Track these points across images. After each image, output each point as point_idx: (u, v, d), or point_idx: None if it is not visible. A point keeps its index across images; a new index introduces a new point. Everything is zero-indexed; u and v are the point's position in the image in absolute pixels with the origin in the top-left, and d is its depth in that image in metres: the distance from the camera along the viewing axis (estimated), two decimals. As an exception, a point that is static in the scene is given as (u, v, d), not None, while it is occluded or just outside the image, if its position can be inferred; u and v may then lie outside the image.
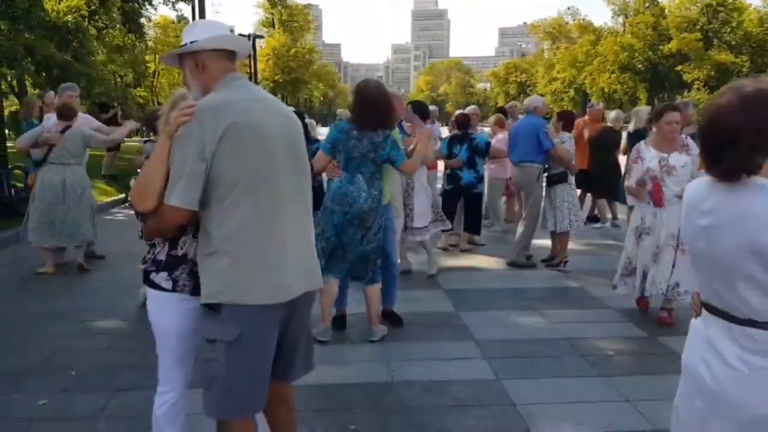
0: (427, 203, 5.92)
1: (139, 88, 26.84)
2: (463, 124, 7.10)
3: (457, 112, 7.78)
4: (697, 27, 51.01)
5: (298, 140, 2.23)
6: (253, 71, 31.12)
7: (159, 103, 42.54)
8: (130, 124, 6.81)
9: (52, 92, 9.05)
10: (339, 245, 4.14)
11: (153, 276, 2.25)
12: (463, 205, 7.04)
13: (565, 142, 6.25)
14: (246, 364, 2.08)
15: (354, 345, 4.32)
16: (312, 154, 6.46)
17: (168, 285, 2.22)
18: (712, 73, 48.33)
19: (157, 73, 43.38)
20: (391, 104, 4.15)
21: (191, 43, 2.16)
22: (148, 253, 2.32)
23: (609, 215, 8.78)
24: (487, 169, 8.10)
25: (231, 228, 2.02)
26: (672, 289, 4.48)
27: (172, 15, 38.76)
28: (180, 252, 2.22)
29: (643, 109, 7.64)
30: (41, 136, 6.06)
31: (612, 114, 9.25)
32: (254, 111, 2.07)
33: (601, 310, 5.05)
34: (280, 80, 46.67)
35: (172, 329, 2.25)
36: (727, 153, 1.52)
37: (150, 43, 42.24)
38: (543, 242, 6.74)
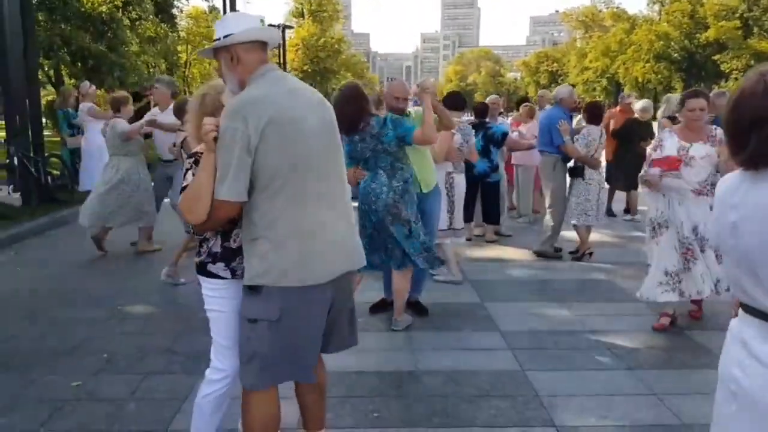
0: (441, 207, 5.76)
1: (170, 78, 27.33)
2: (481, 112, 7.11)
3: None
4: (737, 15, 49.45)
5: (333, 126, 2.32)
6: (282, 61, 31.31)
7: (190, 93, 43.19)
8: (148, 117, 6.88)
9: (87, 82, 9.25)
10: (384, 241, 4.13)
11: (210, 267, 2.35)
12: (480, 195, 7.00)
13: (578, 139, 6.16)
14: (288, 341, 2.20)
15: (379, 333, 4.35)
16: None
17: (227, 275, 2.34)
18: (752, 62, 46.82)
19: (188, 63, 43.87)
20: (359, 99, 4.02)
21: (225, 36, 2.21)
22: (201, 246, 2.41)
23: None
24: (514, 157, 8.06)
25: (272, 215, 2.12)
26: (716, 285, 4.14)
27: (204, 5, 39.08)
28: (234, 245, 2.33)
29: (675, 96, 7.40)
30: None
31: (638, 104, 8.88)
32: (292, 103, 2.15)
33: (629, 304, 4.97)
34: (309, 70, 46.81)
35: (234, 314, 2.34)
36: (751, 138, 1.48)
37: (182, 34, 42.79)
38: (572, 234, 6.67)
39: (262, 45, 2.25)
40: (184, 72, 43.12)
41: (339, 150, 2.35)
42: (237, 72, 2.21)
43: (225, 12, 16.76)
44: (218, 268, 2.34)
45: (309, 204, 2.16)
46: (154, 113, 6.33)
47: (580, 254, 6.36)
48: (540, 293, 5.28)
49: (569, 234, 6.70)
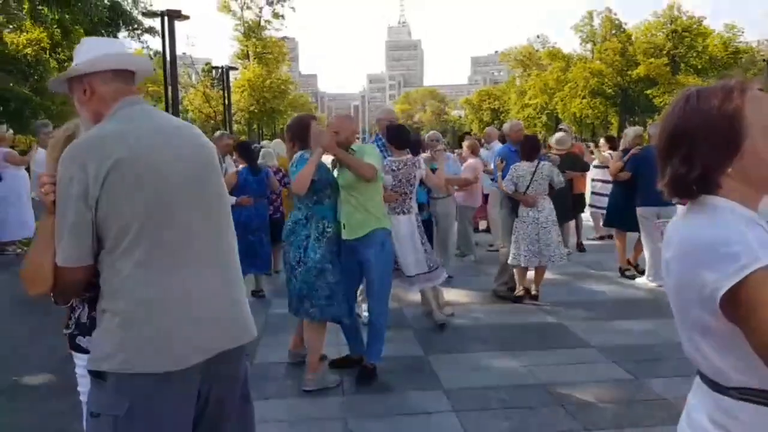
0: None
1: None
2: (412, 149, 6.93)
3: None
4: (664, 52, 52.21)
5: (209, 173, 1.87)
6: (227, 102, 30.81)
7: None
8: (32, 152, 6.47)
9: (3, 126, 8.61)
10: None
11: (80, 340, 2.06)
12: None
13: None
14: None
15: (311, 399, 3.87)
16: (259, 182, 6.18)
17: None
18: (681, 96, 49.23)
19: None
20: (302, 126, 4.04)
21: (76, 65, 1.84)
22: (69, 317, 2.06)
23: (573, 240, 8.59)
24: (457, 196, 7.81)
25: (119, 282, 1.68)
26: None
27: (146, 50, 38.38)
28: None
29: (633, 129, 7.45)
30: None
31: (554, 137, 8.65)
32: (149, 142, 1.73)
33: (581, 350, 4.67)
34: (256, 111, 46.36)
35: None
36: (672, 160, 1.27)
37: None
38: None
39: (126, 75, 1.86)
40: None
41: (220, 200, 1.92)
42: (91, 106, 1.82)
43: (166, 57, 16.24)
44: (88, 342, 1.94)
45: (170, 267, 1.72)
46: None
47: (514, 295, 6.05)
48: (486, 341, 4.91)
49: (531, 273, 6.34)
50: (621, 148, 7.12)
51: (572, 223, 8.62)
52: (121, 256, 1.67)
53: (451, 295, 6.37)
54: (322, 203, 3.91)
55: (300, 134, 3.99)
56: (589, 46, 58.57)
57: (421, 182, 6.46)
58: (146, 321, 1.68)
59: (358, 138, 6.24)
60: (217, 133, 7.09)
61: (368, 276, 4.08)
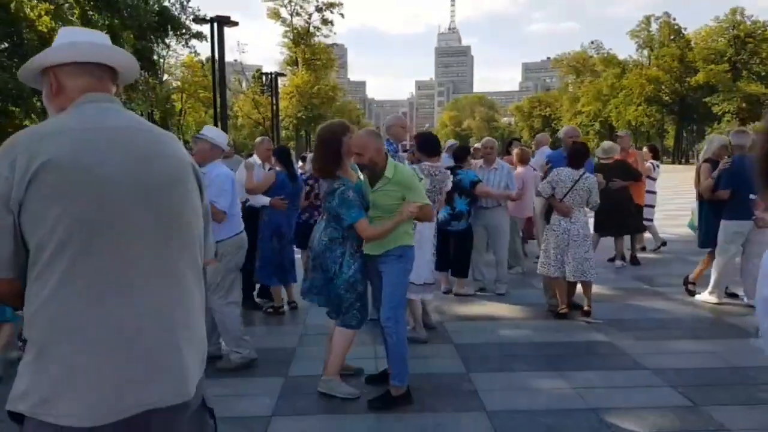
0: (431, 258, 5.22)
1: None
2: (457, 156, 6.76)
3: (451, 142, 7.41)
4: (725, 58, 50.19)
5: (170, 189, 1.55)
6: (275, 109, 31.25)
7: (185, 141, 43.24)
8: None
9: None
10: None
11: None
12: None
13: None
14: None
15: (343, 416, 3.71)
16: (295, 189, 6.03)
17: None
18: (743, 104, 47.18)
19: (183, 112, 44.09)
20: (335, 146, 3.75)
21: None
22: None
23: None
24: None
25: (38, 305, 1.40)
26: None
27: (197, 56, 39.44)
28: None
29: (718, 138, 6.79)
30: None
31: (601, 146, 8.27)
32: (92, 145, 1.45)
33: (635, 372, 4.35)
34: (303, 117, 46.98)
35: None
36: None
37: (177, 83, 43.12)
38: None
39: (101, 71, 1.59)
40: (179, 120, 43.27)
41: (183, 223, 1.56)
42: (57, 102, 1.59)
43: (215, 63, 16.53)
44: None
45: (102, 291, 1.41)
46: None
47: (557, 311, 5.77)
48: (532, 359, 4.64)
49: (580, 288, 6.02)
50: (703, 157, 6.45)
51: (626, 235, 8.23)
52: (39, 274, 1.40)
53: (496, 309, 6.12)
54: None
55: (332, 151, 3.76)
56: (645, 52, 56.88)
57: (462, 192, 6.30)
58: (66, 357, 1.39)
59: (406, 148, 6.08)
60: (258, 138, 7.05)
61: (382, 285, 3.86)
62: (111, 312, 1.42)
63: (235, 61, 50.50)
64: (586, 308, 5.70)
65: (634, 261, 8.23)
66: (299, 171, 7.02)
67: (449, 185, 4.86)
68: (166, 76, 41.62)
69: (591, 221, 5.82)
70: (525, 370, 4.43)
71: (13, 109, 11.12)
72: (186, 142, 42.39)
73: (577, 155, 5.70)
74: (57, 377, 1.38)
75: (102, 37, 1.68)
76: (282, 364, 4.62)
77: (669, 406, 3.76)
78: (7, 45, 12.19)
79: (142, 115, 31.72)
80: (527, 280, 7.31)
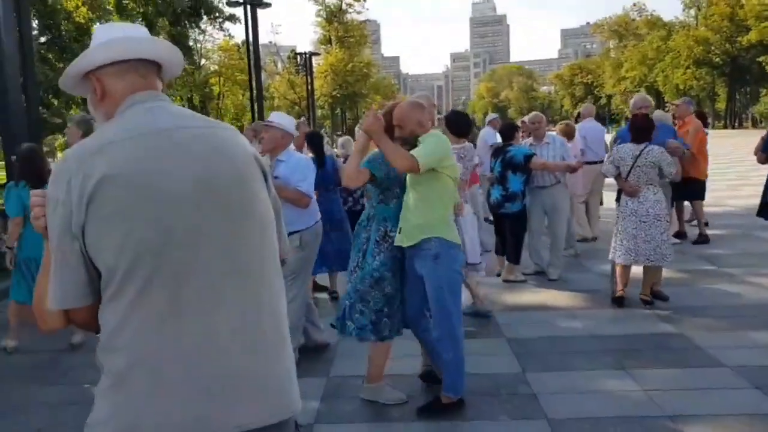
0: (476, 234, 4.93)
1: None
2: (504, 134, 6.31)
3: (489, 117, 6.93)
4: (780, 14, 47.34)
5: (239, 187, 1.39)
6: (309, 88, 31.03)
7: (224, 124, 43.39)
8: None
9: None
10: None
11: None
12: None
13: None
14: None
15: (388, 422, 3.41)
16: (323, 175, 5.48)
17: None
18: (801, 62, 44.59)
19: (221, 96, 44.41)
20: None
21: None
22: None
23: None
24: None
25: (110, 332, 1.31)
26: None
27: (232, 39, 39.42)
28: None
29: None
30: None
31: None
32: (144, 153, 1.31)
33: (712, 370, 3.91)
34: (338, 95, 46.64)
35: None
36: None
37: (215, 67, 43.31)
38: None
39: (145, 67, 1.44)
40: (218, 104, 43.52)
41: (253, 217, 1.41)
42: (103, 107, 1.44)
43: (249, 45, 16.25)
44: None
45: (177, 310, 1.29)
46: None
47: (612, 296, 5.38)
48: (594, 355, 4.24)
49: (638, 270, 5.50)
50: None
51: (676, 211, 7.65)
52: (112, 297, 1.29)
53: (550, 296, 5.71)
54: (388, 204, 3.44)
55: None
56: (693, 12, 54.23)
57: (517, 168, 5.85)
58: (144, 382, 1.29)
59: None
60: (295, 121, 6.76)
61: (427, 293, 3.41)
62: (189, 332, 1.29)
63: (270, 42, 50.41)
64: (642, 296, 5.26)
65: (699, 237, 7.63)
66: (333, 154, 6.70)
67: (476, 159, 4.38)
68: (203, 61, 41.80)
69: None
70: (587, 368, 4.03)
71: (54, 100, 11.18)
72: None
73: (638, 129, 5.19)
74: (139, 405, 1.28)
75: (139, 30, 1.51)
76: (323, 362, 4.35)
77: (760, 414, 3.32)
78: (45, 39, 12.21)
79: (182, 100, 32.10)
80: (581, 263, 6.86)
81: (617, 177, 5.23)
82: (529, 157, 5.82)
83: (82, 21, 12.97)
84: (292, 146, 4.34)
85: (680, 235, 7.73)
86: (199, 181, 1.33)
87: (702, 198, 7.81)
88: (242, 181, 1.40)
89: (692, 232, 7.87)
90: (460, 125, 4.76)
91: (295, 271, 4.15)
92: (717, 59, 49.71)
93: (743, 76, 50.40)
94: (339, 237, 5.48)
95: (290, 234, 4.16)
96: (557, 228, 6.33)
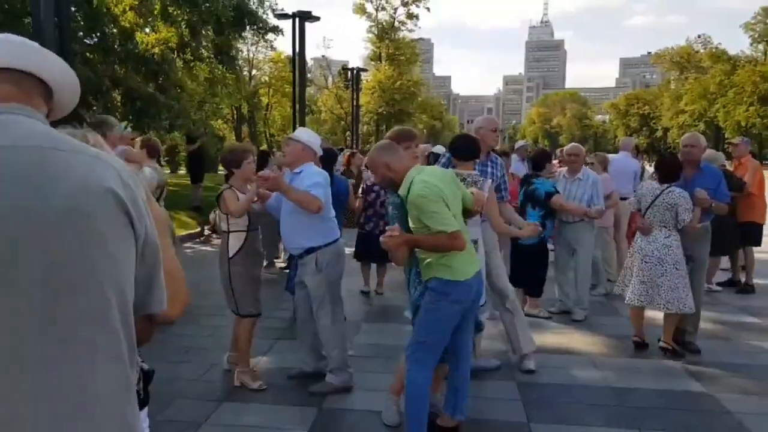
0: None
1: (219, 121, 27.21)
2: (535, 163, 6.04)
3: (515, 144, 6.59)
4: None
5: (68, 224, 1.06)
6: (354, 104, 31.20)
7: (271, 135, 44.19)
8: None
9: (121, 125, 8.82)
10: None
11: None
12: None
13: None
14: None
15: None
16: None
17: None
18: None
19: (270, 107, 45.19)
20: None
21: None
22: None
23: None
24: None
25: None
26: None
27: (270, 49, 40.11)
28: None
29: None
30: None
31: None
32: None
33: (742, 441, 3.51)
34: (384, 112, 46.74)
35: None
36: None
37: (266, 78, 44.13)
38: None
39: (20, 79, 1.21)
40: (265, 115, 44.23)
41: (81, 266, 1.07)
42: None
43: (295, 58, 16.37)
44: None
45: None
46: None
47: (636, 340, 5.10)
48: (610, 411, 3.88)
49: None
50: None
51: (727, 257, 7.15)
52: None
53: (571, 340, 5.35)
54: None
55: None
56: (761, 47, 52.30)
57: (536, 203, 5.58)
58: None
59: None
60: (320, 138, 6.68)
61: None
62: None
63: (323, 57, 51.07)
64: (661, 343, 4.95)
65: (746, 287, 7.10)
66: (365, 177, 6.54)
67: (485, 188, 4.03)
68: (254, 71, 42.57)
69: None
70: (600, 424, 3.68)
71: (93, 102, 11.45)
72: (272, 135, 43.39)
73: (666, 170, 4.94)
74: None
75: (15, 38, 1.25)
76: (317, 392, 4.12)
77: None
78: (90, 41, 12.49)
79: (230, 109, 32.61)
80: (611, 305, 6.44)
81: (637, 212, 5.06)
82: (550, 195, 5.58)
83: (128, 25, 13.24)
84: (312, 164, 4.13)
85: (735, 283, 7.25)
86: (11, 214, 1.03)
87: (758, 243, 7.31)
88: (75, 218, 1.07)
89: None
90: (464, 149, 4.18)
91: (316, 297, 3.99)
92: (783, 97, 47.64)
93: (811, 116, 48.10)
94: None
95: (305, 253, 4.00)
96: (581, 266, 6.00)
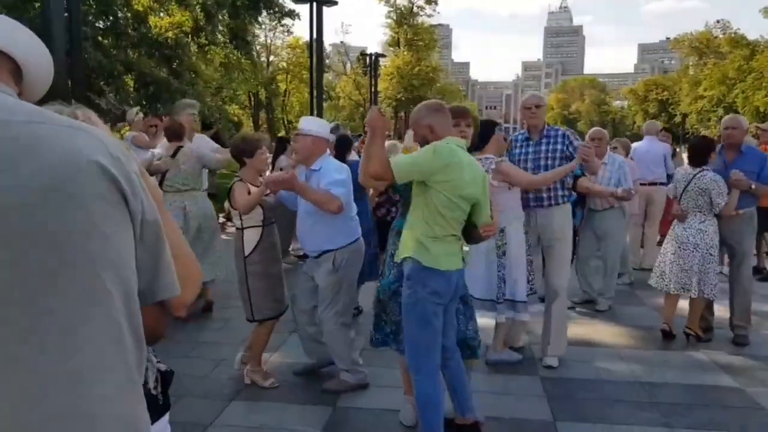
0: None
1: (234, 106, 26.69)
2: None
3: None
4: None
5: (48, 201, 0.92)
6: (373, 90, 30.95)
7: (289, 121, 44.02)
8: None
9: (134, 110, 8.74)
10: None
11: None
12: None
13: None
14: None
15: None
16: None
17: None
18: None
19: (287, 93, 45.07)
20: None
21: None
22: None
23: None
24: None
25: None
26: None
27: (286, 33, 39.82)
28: None
29: None
30: (152, 163, 5.24)
31: None
32: None
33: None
34: (402, 98, 46.35)
35: None
36: None
37: (284, 64, 43.96)
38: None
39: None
40: (283, 101, 44.10)
41: (64, 249, 0.92)
42: None
43: (312, 43, 16.20)
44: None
45: None
46: None
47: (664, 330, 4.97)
48: (641, 408, 3.73)
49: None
50: None
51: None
52: None
53: (596, 331, 5.19)
54: (406, 217, 3.10)
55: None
56: (782, 30, 50.98)
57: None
58: None
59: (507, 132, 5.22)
60: (332, 123, 6.50)
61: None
62: None
63: (341, 42, 50.69)
64: (687, 329, 4.84)
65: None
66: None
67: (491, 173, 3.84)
68: (272, 57, 42.35)
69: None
70: (628, 422, 3.55)
71: (105, 87, 11.36)
72: (290, 122, 43.21)
73: (695, 152, 4.82)
74: None
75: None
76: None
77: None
78: (102, 25, 12.35)
79: (246, 96, 32.43)
80: (635, 294, 6.27)
81: (674, 199, 4.99)
82: (576, 177, 5.34)
83: (141, 9, 13.08)
84: (328, 154, 3.90)
85: (759, 270, 7.04)
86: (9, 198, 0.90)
87: None
88: (55, 194, 0.93)
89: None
90: (479, 134, 4.05)
91: (326, 298, 3.78)
92: (806, 82, 46.50)
93: (835, 101, 46.95)
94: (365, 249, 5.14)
95: (323, 253, 3.78)
96: (609, 255, 5.82)
